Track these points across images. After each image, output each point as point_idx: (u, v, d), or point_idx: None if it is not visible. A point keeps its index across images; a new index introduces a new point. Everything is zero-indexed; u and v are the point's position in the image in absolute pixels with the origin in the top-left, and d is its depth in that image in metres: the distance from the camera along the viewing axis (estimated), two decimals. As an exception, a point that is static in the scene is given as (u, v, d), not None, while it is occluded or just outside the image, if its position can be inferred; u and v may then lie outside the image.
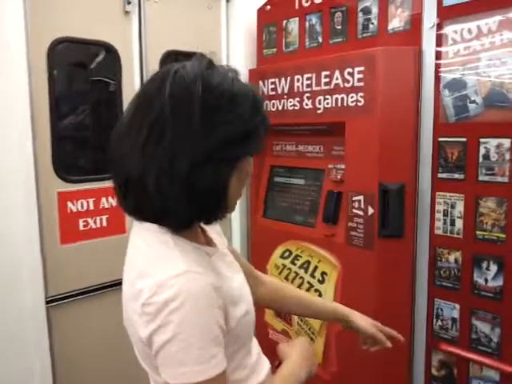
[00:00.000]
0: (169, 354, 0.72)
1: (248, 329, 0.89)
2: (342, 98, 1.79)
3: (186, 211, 0.79)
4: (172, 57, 2.22)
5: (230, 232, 2.43)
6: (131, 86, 2.11)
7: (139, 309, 0.74)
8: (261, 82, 2.16)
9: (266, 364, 0.99)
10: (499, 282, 1.55)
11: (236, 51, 2.38)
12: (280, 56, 2.23)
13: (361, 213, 1.77)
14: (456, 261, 1.65)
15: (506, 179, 1.49)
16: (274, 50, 2.25)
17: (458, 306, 1.67)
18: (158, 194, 0.76)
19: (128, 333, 0.85)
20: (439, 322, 1.73)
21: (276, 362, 1.04)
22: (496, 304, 1.56)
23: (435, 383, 1.77)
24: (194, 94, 0.76)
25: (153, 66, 2.12)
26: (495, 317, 1.57)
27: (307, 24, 2.09)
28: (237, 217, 2.40)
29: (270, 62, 2.26)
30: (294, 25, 2.16)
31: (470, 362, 1.66)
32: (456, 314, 1.68)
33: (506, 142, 1.48)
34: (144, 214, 0.82)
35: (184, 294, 0.72)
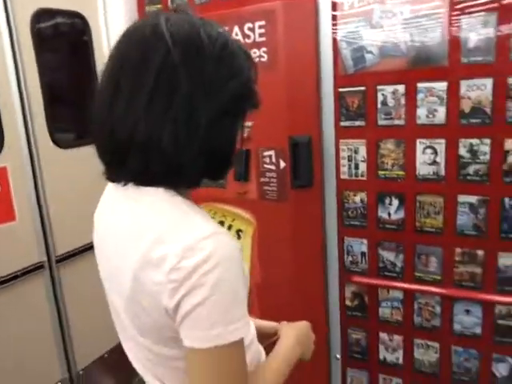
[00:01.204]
0: (200, 317, 0.70)
1: (248, 285, 0.87)
2: (244, 54, 1.78)
3: (201, 167, 0.76)
4: (46, 15, 1.96)
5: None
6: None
7: (163, 276, 0.70)
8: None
9: (252, 324, 0.99)
10: (401, 215, 1.75)
11: (114, 7, 2.17)
12: (192, 6, 2.09)
13: (273, 167, 1.82)
14: (362, 201, 1.81)
15: (402, 122, 1.66)
16: (159, 6, 2.11)
17: (365, 241, 1.85)
18: (175, 151, 0.72)
19: (125, 306, 0.80)
20: (350, 258, 1.90)
21: (274, 337, 1.07)
22: (399, 234, 1.77)
23: (349, 312, 1.97)
24: (201, 43, 0.73)
25: (22, 26, 1.86)
26: (398, 245, 1.79)
27: (192, -23, 2.00)
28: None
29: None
30: (175, -22, 2.05)
31: (379, 288, 1.88)
32: (364, 248, 1.86)
33: (400, 88, 1.64)
34: (153, 177, 0.75)
35: (215, 256, 0.69)
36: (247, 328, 0.74)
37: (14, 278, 1.88)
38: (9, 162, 1.83)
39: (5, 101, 1.80)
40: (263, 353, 1.01)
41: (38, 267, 1.97)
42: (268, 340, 1.09)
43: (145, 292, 0.74)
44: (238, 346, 0.72)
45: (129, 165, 0.74)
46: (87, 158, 2.15)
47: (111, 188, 0.86)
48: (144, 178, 0.76)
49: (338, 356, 2.02)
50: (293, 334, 1.05)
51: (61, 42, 2.18)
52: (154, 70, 0.70)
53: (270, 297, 1.98)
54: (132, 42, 0.75)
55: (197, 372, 0.73)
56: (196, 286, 0.68)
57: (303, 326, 1.12)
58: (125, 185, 0.78)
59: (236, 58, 0.78)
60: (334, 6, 1.68)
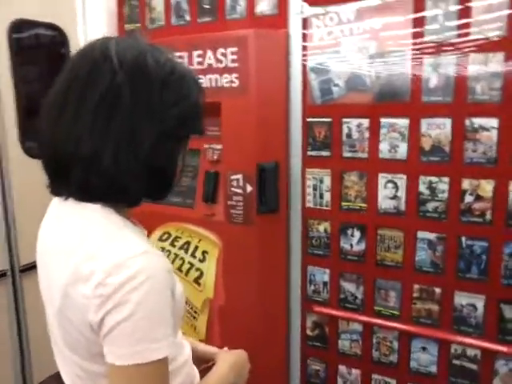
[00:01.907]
0: (123, 334, 0.71)
1: (182, 308, 0.89)
2: (216, 79, 1.81)
3: (142, 188, 0.79)
4: (24, 27, 2.01)
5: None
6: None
7: (90, 291, 0.71)
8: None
9: (187, 346, 0.99)
10: (362, 247, 1.75)
11: (94, 25, 2.22)
12: (145, 32, 2.14)
13: (240, 191, 1.83)
14: (325, 230, 1.82)
15: (365, 155, 1.68)
16: (138, 24, 2.16)
17: (328, 271, 1.85)
18: (115, 170, 0.74)
19: (56, 321, 0.81)
20: (312, 287, 1.90)
21: (210, 362, 1.07)
22: (360, 265, 1.77)
23: (310, 342, 1.95)
24: (147, 67, 0.76)
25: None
26: (359, 276, 1.78)
27: (172, 0, 2.05)
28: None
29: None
30: (157, 0, 2.09)
31: (339, 319, 1.86)
32: (327, 278, 1.86)
33: (364, 122, 1.66)
34: (93, 193, 0.77)
35: (142, 275, 0.71)
36: (172, 348, 0.75)
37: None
38: (-23, 169, 1.86)
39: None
40: (197, 376, 1.01)
41: (0, 275, 1.98)
42: (204, 364, 1.09)
43: (73, 307, 0.75)
44: (161, 365, 0.73)
45: (70, 179, 0.76)
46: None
47: (55, 203, 0.87)
48: (84, 194, 0.78)
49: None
50: (228, 361, 1.05)
51: (38, 53, 2.23)
52: (99, 90, 0.74)
53: (232, 320, 1.97)
54: (81, 62, 0.78)
55: None
56: (121, 302, 0.69)
57: (240, 354, 1.12)
58: (66, 199, 0.80)
59: (183, 84, 0.81)
60: (305, 37, 1.72)
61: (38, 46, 2.26)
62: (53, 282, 0.80)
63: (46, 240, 0.87)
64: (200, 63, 1.84)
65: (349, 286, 1.81)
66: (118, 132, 0.74)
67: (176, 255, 2.09)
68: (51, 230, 0.86)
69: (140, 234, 0.82)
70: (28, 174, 2.07)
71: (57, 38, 2.17)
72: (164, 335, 0.73)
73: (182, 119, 0.80)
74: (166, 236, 2.09)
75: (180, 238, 2.06)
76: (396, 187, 1.64)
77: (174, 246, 2.08)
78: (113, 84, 0.74)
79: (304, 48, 1.72)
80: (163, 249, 2.10)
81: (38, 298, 2.19)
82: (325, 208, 1.80)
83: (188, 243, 2.04)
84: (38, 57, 2.32)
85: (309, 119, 1.76)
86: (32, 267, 2.08)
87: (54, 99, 0.80)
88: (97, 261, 0.72)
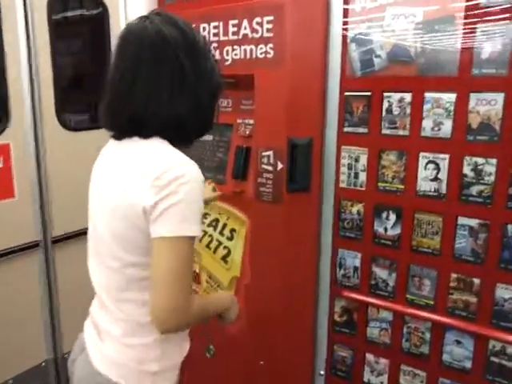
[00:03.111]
0: (173, 214, 0.98)
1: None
2: (251, 50, 1.74)
3: (198, 128, 1.15)
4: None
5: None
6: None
7: (148, 183, 0.99)
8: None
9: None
10: (397, 231, 1.65)
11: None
12: (183, 3, 2.09)
13: (270, 168, 1.76)
14: (359, 212, 1.72)
15: (406, 132, 1.56)
16: (178, -4, 2.11)
17: (359, 255, 1.76)
18: (187, 120, 1.07)
19: (108, 218, 1.08)
20: (342, 271, 1.81)
21: None
22: (394, 251, 1.67)
23: (337, 328, 1.87)
24: (195, 44, 1.08)
25: (38, 8, 1.90)
26: (392, 262, 1.68)
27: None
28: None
29: (172, 9, 2.10)
30: (197, -30, 2.03)
31: (369, 306, 1.77)
32: (358, 262, 1.76)
33: (407, 97, 1.54)
34: (165, 136, 1.08)
35: (189, 175, 1.00)
36: (200, 232, 1.06)
37: (8, 253, 1.91)
38: (12, 139, 1.87)
39: (15, 77, 1.84)
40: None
41: (33, 246, 2.00)
42: None
43: (130, 198, 1.01)
44: (193, 242, 1.02)
45: (147, 131, 1.07)
46: (94, 141, 2.17)
47: (111, 143, 1.17)
48: (156, 136, 1.08)
49: (322, 372, 1.93)
50: (228, 293, 1.49)
51: (77, 26, 2.22)
52: (169, 67, 1.03)
53: (258, 300, 1.92)
54: (140, 45, 1.04)
55: (162, 255, 0.98)
56: (175, 190, 0.98)
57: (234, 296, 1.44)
58: (130, 137, 1.09)
59: (211, 53, 1.16)
60: (346, 4, 1.60)
61: (78, 19, 2.26)
62: (111, 188, 1.07)
63: (106, 164, 1.15)
64: (235, 33, 1.78)
65: (381, 272, 1.72)
66: (189, 94, 1.06)
67: (205, 232, 2.05)
68: (109, 157, 1.15)
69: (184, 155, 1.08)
70: (62, 147, 2.09)
71: (98, 11, 2.15)
72: (198, 220, 1.02)
73: (219, 81, 1.13)
74: (194, 211, 2.05)
75: (209, 214, 2.02)
76: (437, 168, 1.52)
77: (203, 222, 2.05)
78: (177, 62, 1.03)
79: (345, 16, 1.61)
80: (192, 224, 2.07)
81: (69, 269, 2.23)
82: (359, 188, 1.70)
83: (217, 220, 2.00)
84: (77, 30, 2.32)
85: (347, 93, 1.66)
86: (64, 239, 2.11)
87: (121, 76, 1.06)
88: (155, 164, 1.00)
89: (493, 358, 1.52)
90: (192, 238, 1.01)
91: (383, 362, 1.78)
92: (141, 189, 0.99)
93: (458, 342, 1.59)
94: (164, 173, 0.98)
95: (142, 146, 1.06)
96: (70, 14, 2.26)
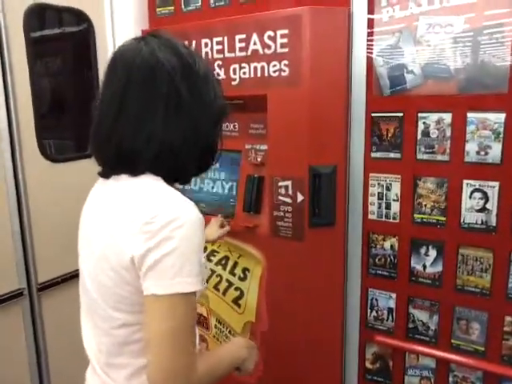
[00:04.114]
0: (166, 266, 0.82)
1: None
2: (262, 67, 1.53)
3: (196, 165, 0.97)
4: (42, 12, 1.77)
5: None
6: None
7: (137, 228, 0.83)
8: (159, 48, 1.79)
9: None
10: (438, 268, 1.45)
11: (122, 9, 1.96)
12: (179, 16, 1.88)
13: (289, 200, 1.55)
14: (392, 247, 1.52)
15: (446, 157, 1.37)
16: (171, 8, 1.89)
17: (394, 296, 1.55)
18: (181, 156, 0.91)
19: (95, 270, 0.93)
20: (374, 313, 1.60)
21: None
22: (435, 291, 1.47)
23: (369, 376, 1.66)
24: (193, 67, 0.91)
25: (13, 24, 1.66)
26: (434, 304, 1.48)
27: (210, -21, 1.78)
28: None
29: (165, 23, 1.90)
30: (192, -20, 1.83)
31: (407, 352, 1.57)
32: (392, 304, 1.56)
33: (446, 117, 1.35)
34: (157, 168, 0.91)
35: (184, 217, 0.83)
36: (200, 285, 0.86)
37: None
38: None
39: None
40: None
41: (17, 295, 1.75)
42: None
43: (116, 245, 0.86)
44: (192, 297, 0.85)
45: (139, 168, 0.90)
46: (82, 173, 1.94)
47: (99, 183, 1.00)
48: (143, 170, 0.91)
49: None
50: (242, 339, 1.18)
51: (59, 44, 1.99)
52: (162, 92, 0.87)
53: (276, 349, 1.70)
54: (134, 66, 0.88)
55: (156, 315, 0.84)
56: (168, 237, 0.82)
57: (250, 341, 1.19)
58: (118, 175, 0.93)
59: (214, 77, 0.98)
60: (372, 13, 1.41)
61: (60, 35, 2.03)
62: (98, 233, 0.92)
63: (91, 208, 1.00)
64: (243, 49, 1.57)
65: (420, 315, 1.51)
66: (184, 128, 0.90)
67: (212, 271, 1.83)
68: (96, 199, 0.99)
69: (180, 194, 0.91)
70: (48, 181, 1.85)
71: (81, 25, 1.92)
72: (198, 272, 0.85)
73: (221, 107, 0.97)
74: (201, 249, 1.82)
75: (217, 252, 1.80)
76: (485, 197, 1.33)
77: (210, 260, 1.82)
78: (172, 86, 0.88)
79: (370, 26, 1.42)
80: (197, 264, 1.84)
81: (57, 318, 1.94)
82: (392, 221, 1.50)
83: (226, 258, 1.78)
84: (59, 48, 2.09)
85: (374, 114, 1.47)
86: (50, 285, 1.86)
87: (107, 101, 0.91)
88: (144, 204, 0.86)
89: (559, 413, 1.33)
90: (191, 294, 0.85)
91: (425, 415, 1.57)
92: (128, 235, 0.85)
93: (517, 395, 1.39)
94: (155, 216, 0.83)
95: (130, 185, 0.92)
96: (50, 31, 2.03)
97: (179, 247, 0.82)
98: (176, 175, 0.95)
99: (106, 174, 0.96)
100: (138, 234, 0.83)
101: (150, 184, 0.90)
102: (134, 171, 0.91)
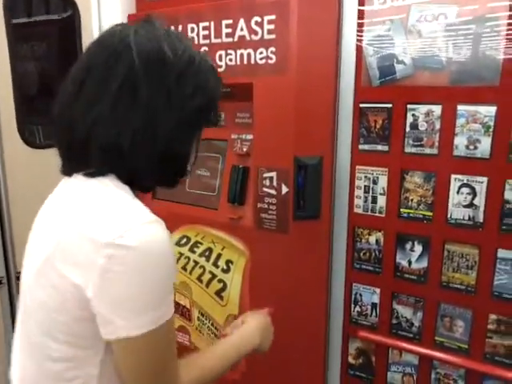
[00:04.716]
0: (129, 300, 0.71)
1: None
2: (249, 54, 1.49)
3: (154, 173, 0.82)
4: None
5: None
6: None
7: (90, 249, 0.71)
8: (144, 32, 1.74)
9: None
10: (424, 264, 1.42)
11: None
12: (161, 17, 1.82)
13: (273, 192, 1.51)
14: (377, 242, 1.49)
15: (435, 151, 1.34)
16: (159, -6, 1.84)
17: (378, 291, 1.53)
18: (132, 156, 0.77)
19: (31, 294, 0.82)
20: (357, 308, 1.58)
21: (225, 331, 1.12)
22: (419, 287, 1.44)
23: (352, 372, 1.64)
24: (165, 58, 0.78)
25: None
26: (418, 300, 1.46)
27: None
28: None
29: (153, 7, 1.84)
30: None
31: (390, 348, 1.55)
32: (376, 299, 1.53)
33: (436, 109, 1.31)
34: (108, 173, 0.79)
35: (149, 240, 0.72)
36: (172, 308, 0.77)
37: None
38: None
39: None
40: None
41: (-5, 283, 1.72)
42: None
43: (60, 265, 0.73)
44: (170, 322, 0.76)
45: (90, 163, 0.79)
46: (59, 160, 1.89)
47: (62, 183, 0.88)
48: (99, 174, 0.79)
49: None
50: (254, 323, 1.11)
51: (44, 28, 1.93)
52: (118, 78, 0.76)
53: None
54: (101, 48, 0.81)
55: (128, 357, 0.75)
56: (131, 267, 0.70)
57: (264, 317, 1.17)
58: (77, 174, 0.82)
59: (200, 75, 0.83)
60: (362, 2, 1.37)
61: (45, 23, 1.97)
62: (37, 247, 0.81)
63: (47, 209, 0.87)
64: (229, 35, 1.52)
65: (404, 311, 1.49)
66: (135, 120, 0.77)
67: (196, 263, 1.79)
68: (57, 199, 0.86)
69: (144, 206, 0.81)
70: (28, 168, 1.80)
71: (66, 10, 1.86)
72: (169, 300, 0.77)
73: (198, 110, 0.82)
74: (184, 240, 1.79)
75: (201, 243, 1.76)
76: (473, 193, 1.30)
77: (193, 252, 1.78)
78: (131, 74, 0.77)
79: (360, 15, 1.38)
80: (181, 254, 1.81)
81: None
82: (378, 215, 1.47)
83: (210, 250, 1.74)
84: (42, 33, 2.03)
85: (362, 105, 1.43)
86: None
87: (70, 83, 0.81)
88: (107, 222, 0.72)
89: (541, 413, 1.31)
90: (166, 322, 0.75)
91: (407, 412, 1.55)
92: (80, 255, 0.72)
93: (499, 394, 1.37)
94: (119, 237, 0.70)
95: (87, 188, 0.79)
96: (34, 16, 1.97)
97: (145, 275, 0.71)
98: (130, 179, 0.81)
99: (65, 169, 0.85)
100: (92, 256, 0.70)
101: (109, 190, 0.78)
102: (87, 166, 0.79)
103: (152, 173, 0.82)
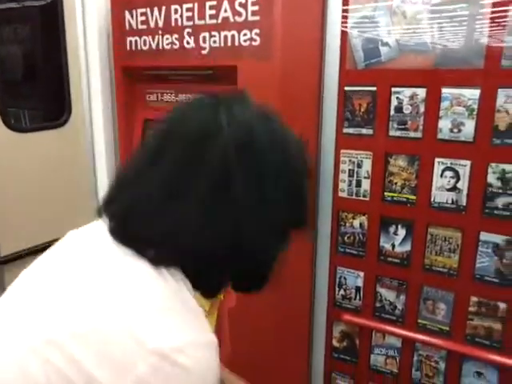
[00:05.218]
0: None
1: None
2: (233, 36, 1.46)
3: (223, 280, 0.73)
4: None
5: (97, 202, 2.00)
6: None
7: (138, 354, 0.57)
8: (127, 13, 1.70)
9: None
10: (407, 247, 1.43)
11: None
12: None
13: (257, 175, 1.50)
14: (361, 225, 1.50)
15: (419, 134, 1.34)
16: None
17: (362, 274, 1.53)
18: (213, 258, 0.67)
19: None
20: (342, 292, 1.59)
21: None
22: (403, 270, 1.45)
23: (336, 355, 1.65)
24: (263, 151, 0.67)
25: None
26: (401, 283, 1.47)
27: None
28: (104, 182, 1.97)
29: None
30: None
31: (373, 330, 1.56)
32: (360, 282, 1.54)
33: (421, 92, 1.31)
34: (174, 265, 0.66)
35: (208, 368, 0.62)
36: None
37: None
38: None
39: None
40: None
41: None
42: None
43: (90, 349, 0.58)
44: None
45: (152, 249, 0.65)
46: (47, 143, 1.86)
47: (101, 226, 0.71)
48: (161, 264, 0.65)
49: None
50: None
51: (25, 11, 1.88)
52: (208, 169, 0.65)
53: (244, 326, 1.67)
54: (184, 125, 0.70)
55: None
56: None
57: None
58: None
59: (296, 171, 0.72)
60: (347, -16, 1.35)
61: (26, 7, 1.92)
62: (57, 309, 0.63)
63: (65, 265, 0.69)
64: (213, 16, 1.49)
65: (387, 294, 1.50)
66: (227, 219, 0.66)
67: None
68: (82, 261, 0.69)
69: (202, 315, 0.68)
70: (10, 152, 1.77)
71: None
72: None
73: (291, 212, 0.73)
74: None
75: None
76: (456, 176, 1.31)
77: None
78: (223, 164, 0.65)
79: (345, -3, 1.36)
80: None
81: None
82: (362, 198, 1.47)
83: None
84: (25, 18, 1.98)
85: (347, 87, 1.42)
86: (13, 259, 1.80)
87: (144, 156, 0.71)
88: (163, 324, 0.60)
89: (520, 392, 1.34)
90: None
91: (389, 393, 1.57)
92: (116, 350, 0.58)
93: (479, 374, 1.39)
94: (169, 350, 0.58)
95: (137, 269, 0.64)
96: (15, 2, 1.93)
97: None
98: (193, 279, 0.67)
99: (114, 234, 0.68)
100: (128, 357, 0.58)
101: (157, 278, 0.63)
102: (144, 248, 0.66)
103: (222, 276, 0.72)
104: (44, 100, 2.07)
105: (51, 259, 0.72)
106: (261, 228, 0.68)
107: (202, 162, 0.65)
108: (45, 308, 0.64)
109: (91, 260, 0.68)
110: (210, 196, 0.65)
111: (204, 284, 0.69)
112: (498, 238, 1.28)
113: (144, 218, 0.67)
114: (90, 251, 0.70)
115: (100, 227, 0.72)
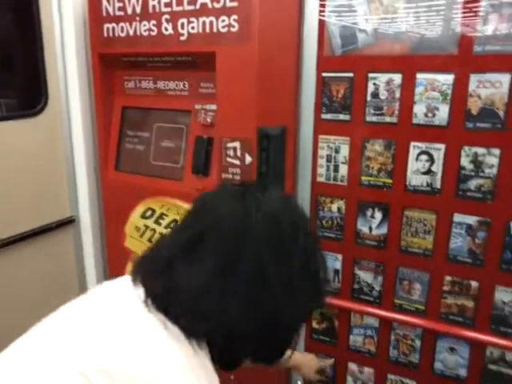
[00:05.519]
0: None
1: None
2: (211, 22, 1.46)
3: (247, 356, 0.81)
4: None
5: (74, 192, 1.98)
6: None
7: None
8: (104, 0, 1.68)
9: None
10: (384, 230, 1.47)
11: None
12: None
13: (237, 162, 1.52)
14: (339, 209, 1.53)
15: (395, 119, 1.37)
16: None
17: (340, 257, 1.57)
18: (244, 341, 0.76)
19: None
20: (321, 275, 1.62)
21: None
22: (380, 252, 1.49)
23: (316, 336, 1.69)
24: (290, 245, 0.75)
25: None
26: (378, 265, 1.51)
27: None
28: (82, 172, 1.95)
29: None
30: None
31: (352, 312, 1.60)
32: (338, 265, 1.58)
33: (396, 78, 1.34)
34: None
35: None
36: None
37: None
38: None
39: None
40: None
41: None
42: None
43: None
44: None
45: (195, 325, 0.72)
46: (22, 133, 1.82)
47: (130, 287, 0.79)
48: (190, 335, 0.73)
49: (300, 383, 1.75)
50: None
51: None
52: (246, 265, 0.72)
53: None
54: (221, 232, 0.75)
55: None
56: None
57: None
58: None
59: (317, 262, 0.81)
60: (324, -29, 1.37)
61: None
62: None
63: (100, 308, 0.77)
64: (191, 3, 1.49)
65: (365, 276, 1.54)
66: (260, 311, 0.74)
67: (162, 235, 1.78)
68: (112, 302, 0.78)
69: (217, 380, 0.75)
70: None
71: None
72: None
73: (314, 298, 0.82)
74: (149, 213, 1.78)
75: (166, 215, 1.75)
76: (431, 160, 1.35)
77: (159, 224, 1.78)
78: (258, 258, 0.73)
79: (322, -17, 1.38)
80: (147, 227, 1.80)
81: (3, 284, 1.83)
82: (340, 183, 1.50)
83: (175, 221, 1.74)
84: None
85: (325, 74, 1.44)
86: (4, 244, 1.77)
87: (180, 252, 0.76)
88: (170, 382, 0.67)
89: (491, 366, 1.40)
90: None
91: (368, 371, 1.62)
92: None
93: (452, 350, 1.45)
94: None
95: (170, 337, 0.71)
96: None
97: None
98: (218, 356, 0.76)
99: (152, 301, 0.74)
100: None
101: (190, 360, 0.71)
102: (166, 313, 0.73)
103: (247, 354, 0.80)
104: (20, 88, 2.03)
105: (91, 301, 0.80)
106: (294, 314, 0.77)
107: (239, 260, 0.73)
108: (82, 344, 0.70)
109: (127, 311, 0.75)
110: (247, 287, 0.72)
111: (225, 360, 0.77)
112: (471, 219, 1.33)
113: (187, 299, 0.73)
114: (126, 304, 0.77)
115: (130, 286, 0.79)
